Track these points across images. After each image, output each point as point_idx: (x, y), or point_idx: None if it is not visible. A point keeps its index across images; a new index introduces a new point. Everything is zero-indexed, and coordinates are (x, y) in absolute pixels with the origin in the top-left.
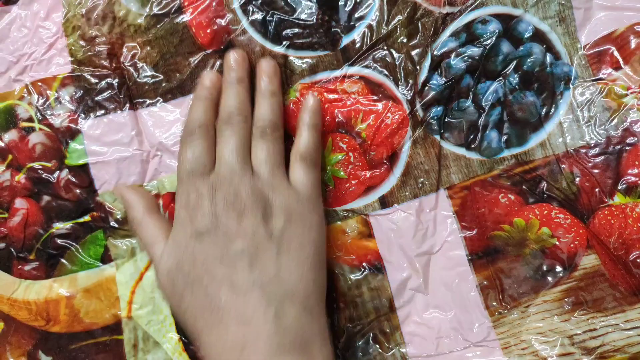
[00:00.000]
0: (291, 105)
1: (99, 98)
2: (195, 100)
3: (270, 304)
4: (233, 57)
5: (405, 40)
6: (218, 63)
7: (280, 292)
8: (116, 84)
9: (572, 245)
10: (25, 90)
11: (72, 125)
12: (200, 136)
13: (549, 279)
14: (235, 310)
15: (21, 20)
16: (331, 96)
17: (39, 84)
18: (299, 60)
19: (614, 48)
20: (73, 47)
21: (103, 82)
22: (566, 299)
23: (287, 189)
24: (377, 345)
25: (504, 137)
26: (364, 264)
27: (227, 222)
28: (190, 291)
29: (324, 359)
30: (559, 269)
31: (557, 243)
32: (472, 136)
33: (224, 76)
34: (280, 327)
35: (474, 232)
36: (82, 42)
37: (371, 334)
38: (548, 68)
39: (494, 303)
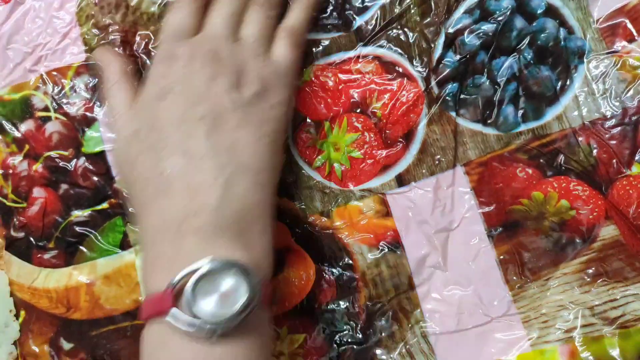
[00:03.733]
0: (305, 87)
1: None
2: None
3: (221, 173)
4: None
5: (418, 19)
6: None
7: (233, 163)
8: (130, 72)
9: (591, 216)
10: (40, 80)
11: (87, 113)
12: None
13: (569, 251)
14: (185, 177)
15: (35, 12)
16: (345, 77)
17: (54, 73)
18: (313, 42)
19: (627, 20)
20: (87, 36)
21: None
22: (586, 271)
23: (267, 60)
24: (397, 323)
25: (520, 112)
26: (382, 243)
27: (196, 82)
28: (143, 158)
29: (262, 248)
30: (578, 240)
31: (576, 215)
32: (488, 112)
33: None
34: (227, 199)
35: (492, 207)
36: (95, 31)
37: (391, 312)
38: (562, 42)
39: (514, 277)
